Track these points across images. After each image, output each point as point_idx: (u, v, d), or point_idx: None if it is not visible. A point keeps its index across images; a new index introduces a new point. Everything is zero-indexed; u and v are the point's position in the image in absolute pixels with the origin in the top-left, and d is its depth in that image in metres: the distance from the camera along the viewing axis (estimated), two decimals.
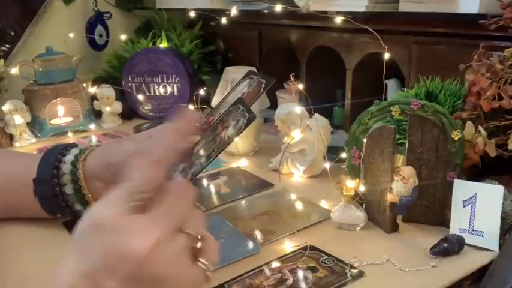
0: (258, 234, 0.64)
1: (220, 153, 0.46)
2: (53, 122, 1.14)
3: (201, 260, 0.37)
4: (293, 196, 0.77)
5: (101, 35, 1.37)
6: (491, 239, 0.58)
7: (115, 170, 0.58)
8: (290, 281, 0.54)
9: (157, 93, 1.24)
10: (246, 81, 0.54)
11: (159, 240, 0.34)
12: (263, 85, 0.51)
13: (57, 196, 0.62)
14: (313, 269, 0.56)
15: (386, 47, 0.77)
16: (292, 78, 0.81)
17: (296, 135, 0.82)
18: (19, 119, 1.07)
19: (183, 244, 0.36)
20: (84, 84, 1.19)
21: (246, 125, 0.45)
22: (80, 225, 0.36)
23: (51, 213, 0.64)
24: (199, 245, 0.37)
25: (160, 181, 0.38)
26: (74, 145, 0.66)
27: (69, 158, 0.62)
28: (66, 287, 0.34)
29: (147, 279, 0.33)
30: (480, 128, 0.64)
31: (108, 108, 1.20)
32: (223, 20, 1.10)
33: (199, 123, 0.56)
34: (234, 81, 0.95)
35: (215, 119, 0.52)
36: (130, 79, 1.25)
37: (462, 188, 0.61)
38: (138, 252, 0.33)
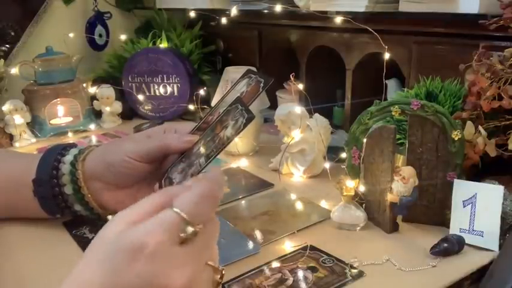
0: (258, 234, 0.64)
1: (219, 153, 0.46)
2: (53, 122, 1.14)
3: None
4: (293, 196, 0.77)
5: (100, 35, 1.37)
6: (491, 239, 0.58)
7: (115, 170, 0.58)
8: (290, 281, 0.54)
9: (157, 93, 1.24)
10: (245, 81, 0.54)
11: (195, 275, 0.35)
12: (261, 84, 0.51)
13: (57, 196, 0.62)
14: (313, 269, 0.56)
15: (387, 47, 0.77)
16: (292, 78, 0.81)
17: (296, 135, 0.82)
18: (19, 119, 1.07)
19: (211, 276, 0.37)
20: (84, 84, 1.19)
21: (245, 125, 0.45)
22: (112, 229, 0.35)
23: (50, 213, 0.64)
24: (218, 277, 0.38)
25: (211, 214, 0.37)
26: (73, 145, 0.66)
27: (68, 158, 0.62)
28: None
29: None
30: (480, 128, 0.64)
31: (108, 108, 1.20)
32: (223, 20, 1.10)
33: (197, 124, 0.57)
34: (234, 81, 0.95)
35: (214, 119, 0.51)
36: (130, 79, 1.25)
37: (462, 188, 0.61)
38: (177, 286, 0.33)
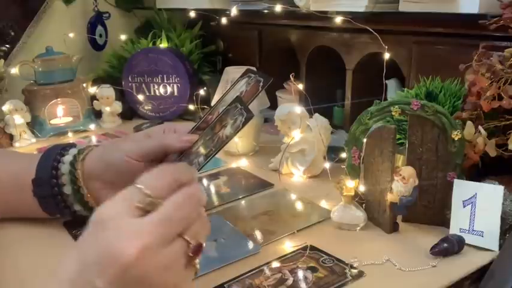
0: (258, 234, 0.64)
1: (218, 152, 0.46)
2: (53, 122, 1.14)
3: (193, 263, 0.38)
4: (293, 196, 0.77)
5: (101, 35, 1.37)
6: (491, 239, 0.58)
7: (114, 170, 0.58)
8: (290, 281, 0.54)
9: (157, 93, 1.24)
10: (244, 80, 0.54)
11: (149, 246, 0.34)
12: (261, 83, 0.51)
13: (56, 196, 0.62)
14: (313, 269, 0.56)
15: (387, 47, 0.77)
16: (292, 78, 0.81)
17: (296, 135, 0.82)
18: (19, 119, 1.07)
19: (178, 251, 0.36)
20: (84, 84, 1.19)
21: (244, 124, 0.45)
22: (89, 221, 0.37)
23: (50, 213, 0.64)
24: (192, 255, 0.37)
25: (171, 189, 0.38)
26: (72, 145, 0.66)
27: (67, 158, 0.62)
28: (67, 282, 0.34)
29: (134, 283, 0.34)
30: (480, 128, 0.64)
31: (108, 108, 1.20)
32: (223, 20, 1.10)
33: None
34: (234, 81, 0.95)
35: (213, 118, 0.51)
36: (130, 79, 1.25)
37: (462, 188, 0.61)
38: (126, 255, 0.33)
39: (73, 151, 0.63)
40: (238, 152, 0.95)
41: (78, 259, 0.35)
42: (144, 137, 0.59)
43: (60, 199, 0.62)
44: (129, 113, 1.26)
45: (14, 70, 1.14)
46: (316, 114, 0.84)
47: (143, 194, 0.36)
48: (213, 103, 0.99)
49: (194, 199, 0.38)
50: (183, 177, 0.39)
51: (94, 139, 1.10)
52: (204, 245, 0.38)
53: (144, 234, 0.34)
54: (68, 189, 0.62)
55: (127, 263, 0.33)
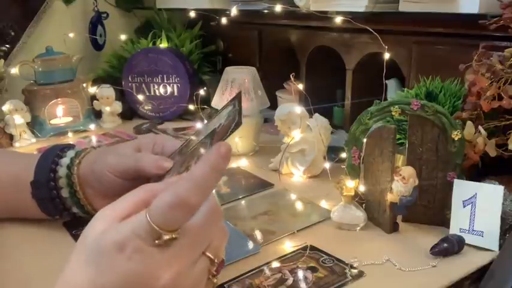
0: (258, 234, 0.64)
1: None
2: (53, 122, 1.14)
3: (212, 278, 0.38)
4: (293, 196, 0.77)
5: (101, 35, 1.37)
6: (491, 239, 0.58)
7: (100, 181, 0.58)
8: (290, 281, 0.54)
9: (157, 93, 1.24)
10: (229, 109, 0.48)
11: (180, 271, 0.35)
12: (233, 125, 0.44)
13: (55, 199, 0.61)
14: (313, 269, 0.56)
15: (387, 47, 0.77)
16: (292, 78, 0.81)
17: (296, 135, 0.82)
18: (19, 119, 1.07)
19: (204, 269, 0.37)
20: (84, 84, 1.19)
21: None
22: (95, 227, 0.36)
23: (49, 215, 0.63)
24: (214, 269, 0.38)
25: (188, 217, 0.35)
26: (71, 146, 0.66)
27: (65, 161, 0.62)
28: None
29: None
30: (480, 128, 0.64)
31: (108, 108, 1.20)
32: (223, 20, 1.10)
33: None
34: (234, 81, 0.95)
35: (193, 145, 0.49)
36: (130, 79, 1.25)
37: (462, 188, 0.61)
38: (161, 285, 0.34)
39: (71, 153, 0.63)
40: (238, 152, 0.95)
41: (94, 282, 0.34)
42: (131, 151, 0.58)
43: (58, 202, 0.62)
44: (129, 113, 1.26)
45: (14, 70, 1.13)
46: (316, 114, 0.84)
47: (156, 231, 0.34)
48: (213, 103, 0.99)
49: (216, 216, 0.37)
50: (196, 200, 0.35)
51: (94, 139, 1.10)
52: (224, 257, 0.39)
53: (173, 262, 0.34)
54: (65, 193, 0.61)
55: None
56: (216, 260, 0.38)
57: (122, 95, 1.24)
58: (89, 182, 0.60)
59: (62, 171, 0.61)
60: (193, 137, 0.53)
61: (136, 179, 0.55)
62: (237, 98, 0.47)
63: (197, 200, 0.34)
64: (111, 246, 0.34)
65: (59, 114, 1.15)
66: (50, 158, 0.62)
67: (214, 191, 0.39)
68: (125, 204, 0.37)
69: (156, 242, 0.34)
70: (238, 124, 0.42)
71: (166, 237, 0.34)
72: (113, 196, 0.56)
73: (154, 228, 0.33)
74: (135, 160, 0.55)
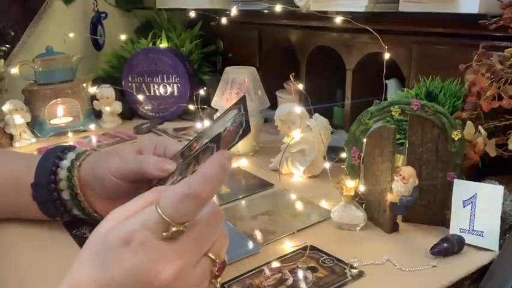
0: (258, 234, 0.64)
1: None
2: (53, 122, 1.14)
3: (216, 281, 0.39)
4: (293, 196, 0.77)
5: (101, 35, 1.37)
6: (491, 239, 0.58)
7: (101, 184, 0.58)
8: (290, 281, 0.54)
9: (157, 93, 1.24)
10: (234, 112, 0.47)
11: (183, 267, 0.35)
12: (241, 130, 0.43)
13: (56, 201, 0.61)
14: (313, 269, 0.56)
15: (387, 47, 0.77)
16: (292, 78, 0.81)
17: (296, 135, 0.82)
18: (19, 119, 1.07)
19: (206, 269, 0.38)
20: (84, 84, 1.19)
21: None
22: (104, 226, 0.37)
23: (50, 216, 0.63)
24: (216, 269, 0.38)
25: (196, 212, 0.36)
26: (71, 148, 0.65)
27: (65, 163, 0.61)
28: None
29: None
30: (480, 128, 0.64)
31: (108, 108, 1.20)
32: (223, 20, 1.10)
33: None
34: (234, 81, 0.95)
35: (197, 147, 0.49)
36: (130, 79, 1.25)
37: (462, 188, 0.61)
38: (162, 279, 0.34)
39: (71, 155, 0.62)
40: (238, 152, 0.95)
41: (100, 277, 0.35)
42: (132, 153, 0.58)
43: (59, 204, 0.62)
44: (129, 113, 1.26)
45: (14, 70, 1.13)
46: (316, 114, 0.84)
47: (166, 223, 0.35)
48: (213, 103, 0.99)
49: (218, 217, 0.38)
50: (206, 193, 0.36)
51: (94, 139, 1.10)
52: (226, 260, 0.39)
53: (177, 257, 0.35)
54: (66, 195, 0.61)
55: (163, 286, 0.34)
56: (217, 261, 0.38)
57: (122, 95, 1.24)
58: (90, 185, 0.60)
59: (63, 173, 0.61)
60: (195, 140, 0.53)
61: (139, 181, 0.55)
62: (242, 102, 0.47)
63: (208, 193, 0.35)
64: (118, 241, 0.35)
65: (59, 114, 1.15)
66: (50, 160, 0.62)
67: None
68: (135, 204, 0.38)
69: (164, 234, 0.35)
70: (246, 132, 0.42)
71: (174, 229, 0.35)
72: (115, 198, 0.56)
73: (165, 219, 0.34)
74: (137, 162, 0.55)
